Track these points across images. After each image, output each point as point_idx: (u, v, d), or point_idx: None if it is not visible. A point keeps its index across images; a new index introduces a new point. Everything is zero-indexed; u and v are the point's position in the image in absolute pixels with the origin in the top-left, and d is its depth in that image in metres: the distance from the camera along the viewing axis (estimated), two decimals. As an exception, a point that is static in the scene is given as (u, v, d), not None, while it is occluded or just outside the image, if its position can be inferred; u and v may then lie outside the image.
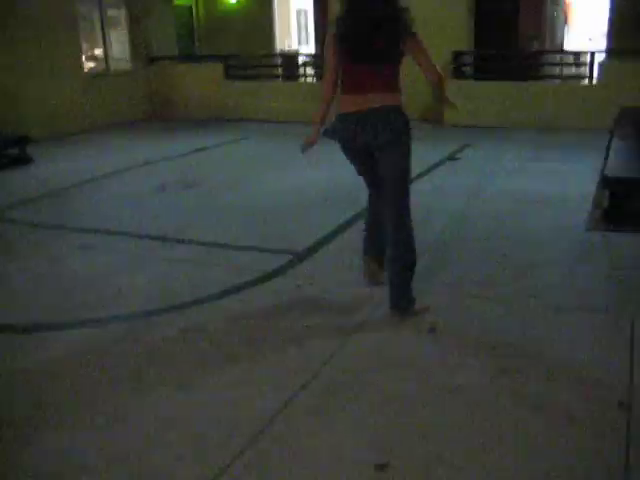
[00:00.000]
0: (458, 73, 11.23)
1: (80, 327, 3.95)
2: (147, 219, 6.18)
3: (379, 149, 3.75)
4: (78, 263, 5.08)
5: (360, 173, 4.08)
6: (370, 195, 4.18)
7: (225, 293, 4.33)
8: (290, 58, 14.84)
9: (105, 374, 3.36)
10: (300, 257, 4.95)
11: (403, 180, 3.85)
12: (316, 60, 14.06)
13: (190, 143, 10.03)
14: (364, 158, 3.91)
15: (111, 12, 13.30)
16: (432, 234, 5.34)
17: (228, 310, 4.09)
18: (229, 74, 13.17)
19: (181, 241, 5.49)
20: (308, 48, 17.97)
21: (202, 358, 3.48)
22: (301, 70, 14.17)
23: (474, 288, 4.29)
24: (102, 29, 13.01)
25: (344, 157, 4.03)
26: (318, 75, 12.97)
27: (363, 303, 4.07)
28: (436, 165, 8.04)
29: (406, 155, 3.80)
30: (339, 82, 3.81)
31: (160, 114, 13.64)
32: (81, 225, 6.07)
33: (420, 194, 6.54)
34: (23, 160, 9.13)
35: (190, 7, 15.50)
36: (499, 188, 6.89)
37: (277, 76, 13.89)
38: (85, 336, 3.83)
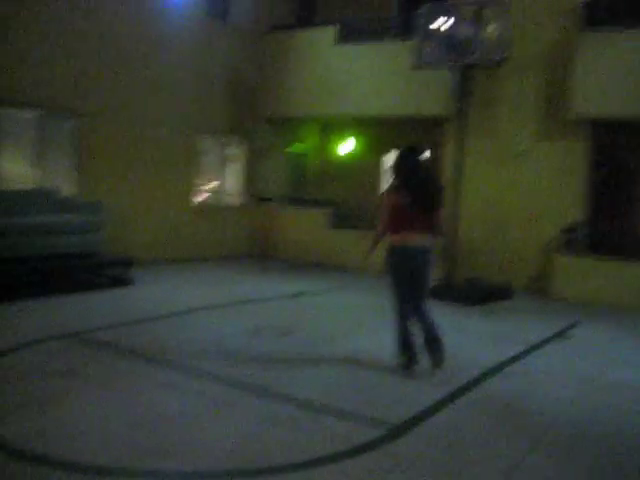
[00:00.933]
0: (569, 247, 10.81)
1: (141, 477, 3.63)
2: (238, 364, 5.91)
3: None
4: (160, 402, 4.81)
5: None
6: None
7: (309, 464, 3.91)
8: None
9: None
10: (396, 432, 4.50)
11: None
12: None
13: (289, 286, 9.91)
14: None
15: (230, 150, 13.82)
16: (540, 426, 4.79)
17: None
18: (334, 222, 13.25)
19: (270, 394, 5.14)
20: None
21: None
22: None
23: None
24: (220, 164, 13.50)
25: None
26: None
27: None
28: (543, 343, 7.50)
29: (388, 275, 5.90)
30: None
31: (262, 252, 13.76)
32: (168, 358, 5.86)
33: (521, 377, 6.10)
34: (125, 281, 9.23)
35: (305, 155, 15.98)
36: (617, 377, 6.27)
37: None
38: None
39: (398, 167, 5.90)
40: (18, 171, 9.94)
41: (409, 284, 5.77)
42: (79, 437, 4.11)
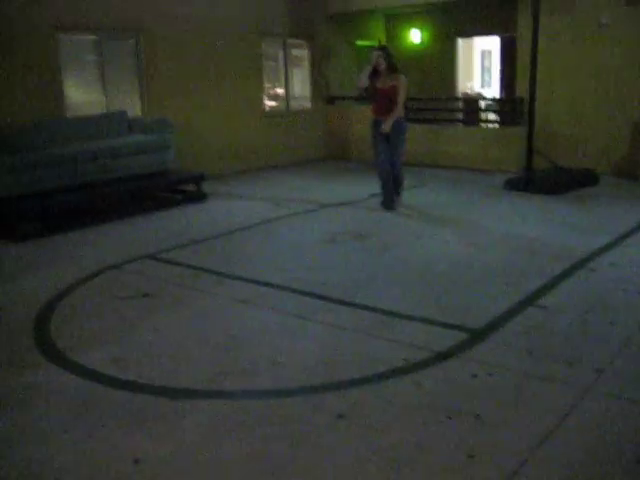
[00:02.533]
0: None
1: (229, 398, 3.64)
2: (313, 273, 5.85)
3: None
4: (235, 319, 4.83)
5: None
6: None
7: (389, 374, 3.84)
8: (472, 102, 14.22)
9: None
10: (477, 336, 4.36)
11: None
12: (499, 104, 13.38)
13: (365, 187, 9.70)
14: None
15: (295, 52, 13.43)
16: (623, 329, 4.55)
17: (391, 396, 3.59)
18: (408, 117, 12.77)
19: (347, 304, 5.07)
20: (491, 91, 17.25)
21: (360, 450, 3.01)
22: (482, 115, 13.51)
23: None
24: (285, 68, 13.15)
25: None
26: (501, 120, 12.28)
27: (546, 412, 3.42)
28: (632, 232, 7.10)
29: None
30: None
31: (337, 154, 13.53)
32: (244, 274, 5.85)
33: (612, 269, 5.79)
34: (198, 197, 9.25)
35: (373, 48, 15.36)
36: None
37: (458, 120, 13.32)
38: (231, 409, 3.49)
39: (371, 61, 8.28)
40: (84, 97, 9.94)
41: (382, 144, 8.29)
42: (159, 360, 4.16)
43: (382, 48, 8.60)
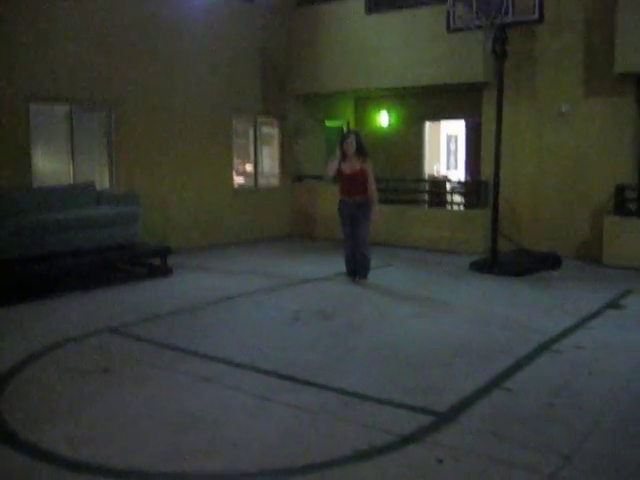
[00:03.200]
0: (621, 209, 10.33)
1: (187, 484, 3.49)
2: (277, 352, 5.76)
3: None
4: (196, 398, 4.69)
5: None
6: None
7: (352, 459, 3.73)
8: (438, 184, 14.50)
9: None
10: (443, 419, 4.29)
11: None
12: (464, 187, 13.65)
13: (330, 266, 9.72)
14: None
15: (265, 129, 13.64)
16: (590, 412, 4.52)
17: (356, 483, 3.48)
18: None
19: (311, 384, 4.97)
20: (457, 174, 17.63)
21: None
22: (448, 197, 13.76)
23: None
24: (255, 145, 13.31)
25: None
26: (466, 203, 12.50)
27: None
28: (596, 314, 7.17)
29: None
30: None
31: (304, 232, 13.59)
32: (207, 351, 5.74)
33: (577, 351, 5.80)
34: (163, 271, 9.16)
35: (341, 129, 15.68)
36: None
37: (424, 202, 13.54)
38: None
39: (340, 144, 8.70)
40: (52, 167, 9.92)
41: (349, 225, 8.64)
42: (114, 439, 4.01)
43: (355, 133, 9.09)
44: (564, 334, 6.30)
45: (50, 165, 9.92)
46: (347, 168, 8.51)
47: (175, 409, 4.49)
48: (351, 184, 8.48)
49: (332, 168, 8.55)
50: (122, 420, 4.31)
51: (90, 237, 8.69)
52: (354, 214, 8.47)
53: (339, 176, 8.61)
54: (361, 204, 8.45)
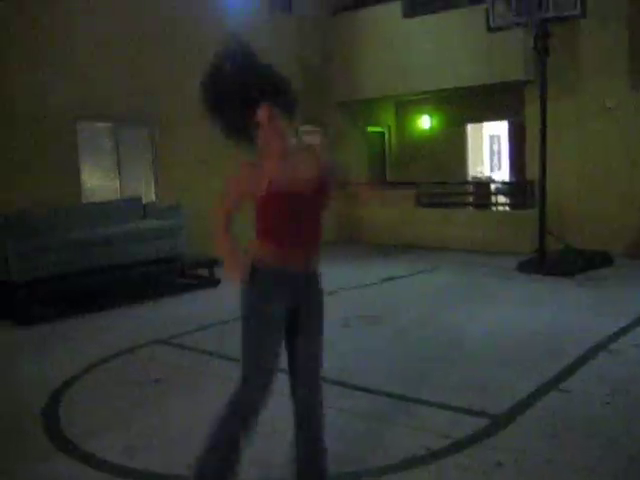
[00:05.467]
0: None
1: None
2: (328, 358, 5.72)
3: None
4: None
5: None
6: None
7: (407, 463, 3.69)
8: (482, 185, 14.36)
9: None
10: (499, 422, 4.21)
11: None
12: (509, 187, 13.49)
13: (378, 271, 9.66)
14: None
15: (306, 138, 13.67)
16: None
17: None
18: (420, 201, 12.88)
19: (363, 389, 4.94)
20: (500, 175, 17.43)
21: None
22: (492, 198, 13.61)
23: None
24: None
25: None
26: (511, 203, 12.34)
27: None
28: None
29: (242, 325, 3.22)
30: None
31: (349, 238, 13.56)
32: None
33: (635, 350, 5.67)
34: (211, 282, 9.22)
35: (383, 133, 15.65)
36: None
37: (469, 204, 13.42)
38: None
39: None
40: (100, 182, 10.10)
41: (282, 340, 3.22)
42: (171, 448, 4.03)
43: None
44: (620, 333, 6.15)
45: (98, 180, 10.10)
46: (287, 174, 3.07)
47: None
48: (303, 220, 3.12)
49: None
50: (177, 429, 4.34)
51: (137, 250, 8.81)
52: (301, 308, 3.21)
53: (262, 205, 3.16)
54: (314, 278, 3.28)
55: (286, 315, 3.10)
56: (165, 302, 8.37)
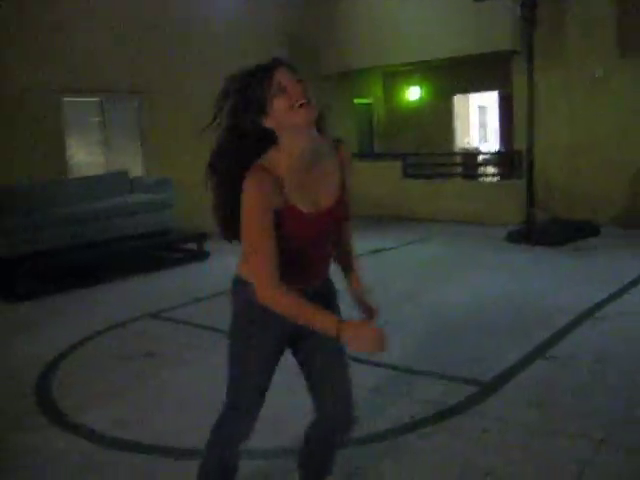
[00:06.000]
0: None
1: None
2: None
3: None
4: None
5: None
6: None
7: (398, 431, 3.75)
8: (471, 156, 14.38)
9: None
10: (487, 389, 4.28)
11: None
12: (497, 157, 13.51)
13: (366, 243, 9.68)
14: None
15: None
16: (636, 377, 4.47)
17: (401, 453, 3.50)
18: (407, 172, 12.88)
19: (357, 360, 4.97)
20: (488, 146, 17.46)
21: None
22: (480, 169, 13.63)
23: None
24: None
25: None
26: (499, 174, 12.37)
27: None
28: (638, 280, 7.05)
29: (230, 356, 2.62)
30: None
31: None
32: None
33: (620, 317, 5.68)
34: (200, 255, 9.23)
35: (370, 104, 15.59)
36: None
37: (456, 175, 13.43)
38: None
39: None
40: (86, 157, 10.05)
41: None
42: (162, 420, 4.08)
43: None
44: (606, 301, 6.22)
45: (84, 156, 10.04)
46: (309, 187, 2.35)
47: (219, 390, 4.53)
48: (321, 246, 2.51)
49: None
50: (169, 401, 4.38)
51: (126, 225, 8.80)
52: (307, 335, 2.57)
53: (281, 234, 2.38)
54: (330, 292, 2.77)
55: (289, 338, 2.60)
56: (155, 276, 8.37)
